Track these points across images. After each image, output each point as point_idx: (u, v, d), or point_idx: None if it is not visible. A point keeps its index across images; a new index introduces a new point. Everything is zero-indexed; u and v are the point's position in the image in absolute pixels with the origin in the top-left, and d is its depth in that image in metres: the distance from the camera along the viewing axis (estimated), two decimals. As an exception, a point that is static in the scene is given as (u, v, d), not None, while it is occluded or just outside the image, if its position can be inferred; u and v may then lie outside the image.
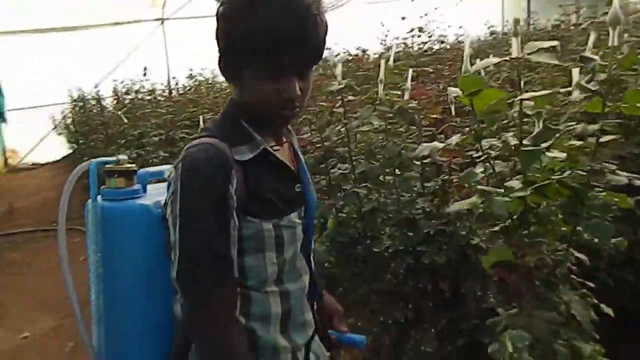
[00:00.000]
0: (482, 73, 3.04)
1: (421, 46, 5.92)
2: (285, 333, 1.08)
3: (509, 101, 1.05)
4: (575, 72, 1.28)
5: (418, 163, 1.84)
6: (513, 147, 1.12)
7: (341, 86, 1.78)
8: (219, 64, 1.06)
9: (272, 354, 1.05)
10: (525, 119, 1.23)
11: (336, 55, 5.57)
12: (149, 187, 1.17)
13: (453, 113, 2.25)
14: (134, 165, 1.11)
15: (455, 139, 1.19)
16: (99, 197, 1.09)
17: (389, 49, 6.44)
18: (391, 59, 1.96)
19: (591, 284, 1.28)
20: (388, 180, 1.85)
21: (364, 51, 6.01)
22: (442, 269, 1.79)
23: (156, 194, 1.12)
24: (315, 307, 1.17)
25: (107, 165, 1.08)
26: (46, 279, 4.26)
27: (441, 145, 1.17)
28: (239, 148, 1.02)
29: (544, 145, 1.04)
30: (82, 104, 7.77)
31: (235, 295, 1.01)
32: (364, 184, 1.91)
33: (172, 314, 1.09)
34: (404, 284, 1.87)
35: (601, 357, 1.11)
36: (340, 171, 1.96)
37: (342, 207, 2.00)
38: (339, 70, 1.94)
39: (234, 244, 0.99)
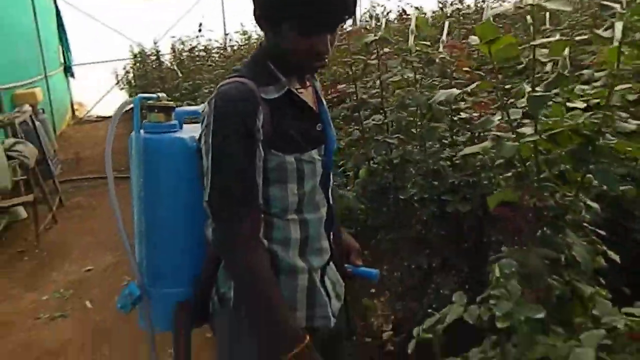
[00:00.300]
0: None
1: (481, 4, 5.74)
2: (303, 257, 1.20)
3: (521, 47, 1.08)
4: (619, 25, 1.28)
5: (449, 116, 1.88)
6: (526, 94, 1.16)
7: (375, 38, 1.82)
8: (255, 13, 1.16)
9: (290, 273, 1.18)
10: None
11: (387, 13, 5.51)
12: (185, 126, 1.29)
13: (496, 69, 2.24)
14: (172, 102, 1.23)
15: (473, 86, 1.24)
16: (141, 130, 1.22)
17: (443, 7, 6.27)
18: (429, 13, 1.97)
19: (602, 232, 1.32)
20: (419, 132, 1.90)
21: (417, 8, 5.89)
22: (465, 219, 1.85)
23: (191, 131, 1.24)
24: (331, 237, 1.28)
25: (148, 102, 1.21)
26: (107, 221, 4.62)
27: (457, 91, 1.22)
28: (266, 88, 1.13)
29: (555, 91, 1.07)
30: (141, 59, 8.08)
31: (259, 218, 1.13)
32: (396, 135, 1.97)
33: (204, 237, 1.23)
34: (429, 232, 1.94)
35: (601, 299, 1.16)
36: (374, 122, 2.03)
37: (374, 157, 2.08)
38: (382, 24, 1.98)
39: (260, 174, 1.11)
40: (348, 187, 2.28)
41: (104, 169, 1.27)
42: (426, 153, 1.84)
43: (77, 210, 5.17)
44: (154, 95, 1.22)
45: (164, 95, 1.22)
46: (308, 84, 1.25)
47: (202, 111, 1.14)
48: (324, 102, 1.28)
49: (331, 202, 1.27)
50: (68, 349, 2.87)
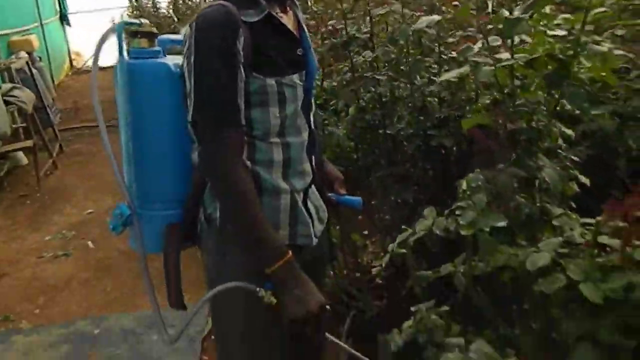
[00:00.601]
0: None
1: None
2: (285, 179, 1.25)
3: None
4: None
5: (437, 52, 1.89)
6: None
7: (365, -29, 1.81)
8: None
9: (273, 194, 1.23)
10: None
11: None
12: (169, 56, 1.31)
13: (490, 9, 2.23)
14: (154, 28, 1.25)
15: (450, 15, 1.25)
16: (125, 56, 1.25)
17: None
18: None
19: (576, 158, 1.36)
20: (407, 67, 1.92)
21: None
22: (450, 153, 1.89)
23: (175, 59, 1.26)
24: (314, 163, 1.32)
25: (132, 27, 1.23)
26: (107, 166, 4.67)
27: (438, 17, 1.23)
28: (246, 11, 1.15)
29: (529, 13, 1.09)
30: (137, 6, 7.95)
31: (241, 138, 1.17)
32: (385, 71, 1.99)
33: (191, 161, 1.28)
34: (416, 168, 1.99)
35: (569, 219, 1.21)
36: (363, 58, 2.04)
37: (364, 94, 2.10)
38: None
39: (241, 95, 1.14)
40: (339, 126, 2.31)
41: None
42: (412, 88, 1.86)
43: (77, 157, 5.23)
44: (137, 21, 1.24)
45: (147, 21, 1.24)
46: (289, 9, 1.26)
47: (184, 35, 1.17)
48: (305, 29, 1.30)
49: (312, 127, 1.30)
50: (71, 284, 2.99)
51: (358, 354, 1.51)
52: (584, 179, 1.30)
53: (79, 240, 3.52)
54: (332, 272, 2.62)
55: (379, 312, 2.33)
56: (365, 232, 3.05)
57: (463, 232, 0.95)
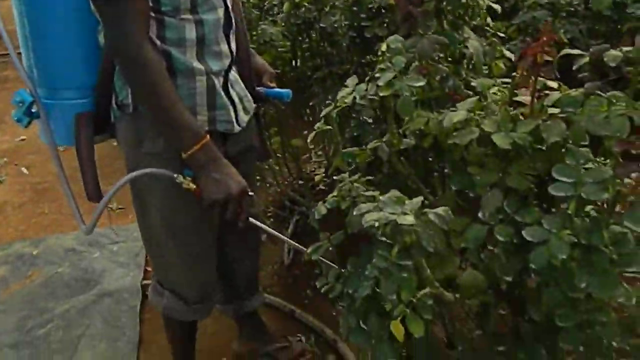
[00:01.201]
0: None
1: None
2: (201, 60, 1.17)
3: None
4: None
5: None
6: None
7: None
8: None
9: (187, 75, 1.15)
10: None
11: None
12: None
13: None
14: None
15: None
16: None
17: None
18: None
19: (502, 35, 1.33)
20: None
21: None
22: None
23: None
24: (232, 42, 1.24)
25: None
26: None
27: None
28: None
29: None
30: None
31: (146, 13, 1.07)
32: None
33: (98, 45, 1.17)
34: (352, 64, 1.93)
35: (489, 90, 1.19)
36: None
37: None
38: None
39: None
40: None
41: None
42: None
43: (4, 84, 4.89)
44: None
45: None
46: None
47: None
48: None
49: (228, 3, 1.21)
50: (7, 208, 2.87)
51: (295, 243, 1.51)
52: (509, 54, 1.28)
53: (12, 167, 3.35)
54: (275, 182, 2.60)
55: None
56: (312, 147, 3.03)
57: (381, 94, 0.92)
